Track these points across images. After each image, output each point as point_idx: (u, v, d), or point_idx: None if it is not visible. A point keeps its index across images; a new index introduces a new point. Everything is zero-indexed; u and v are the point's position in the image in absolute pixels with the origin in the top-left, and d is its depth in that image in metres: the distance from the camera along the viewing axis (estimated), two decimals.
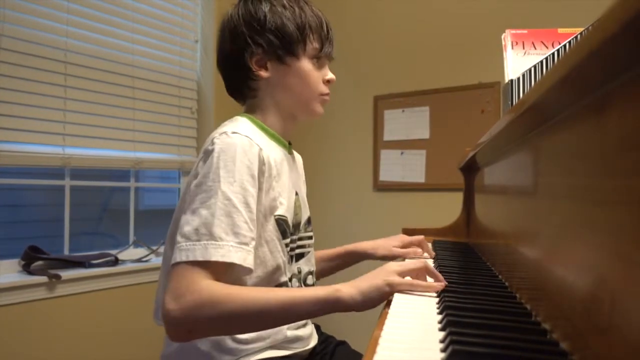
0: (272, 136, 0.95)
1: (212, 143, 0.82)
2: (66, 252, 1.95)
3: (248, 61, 0.92)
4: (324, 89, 0.97)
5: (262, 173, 0.84)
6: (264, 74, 0.93)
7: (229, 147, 0.80)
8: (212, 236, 0.73)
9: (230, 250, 0.73)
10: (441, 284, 0.75)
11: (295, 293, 0.75)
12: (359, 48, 2.60)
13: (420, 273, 0.78)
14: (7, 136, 1.72)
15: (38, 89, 1.80)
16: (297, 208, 0.96)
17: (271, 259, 0.87)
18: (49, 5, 1.85)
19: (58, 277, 1.75)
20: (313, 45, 0.94)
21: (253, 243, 0.78)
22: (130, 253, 2.14)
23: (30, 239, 1.84)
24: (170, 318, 0.70)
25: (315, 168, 2.76)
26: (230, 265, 0.74)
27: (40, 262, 1.82)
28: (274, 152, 0.91)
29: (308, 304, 0.72)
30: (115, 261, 2.01)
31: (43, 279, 1.72)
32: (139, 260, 2.10)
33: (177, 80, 2.33)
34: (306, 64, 0.94)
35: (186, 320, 0.70)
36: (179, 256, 0.73)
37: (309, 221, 1.03)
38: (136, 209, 2.22)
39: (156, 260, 2.13)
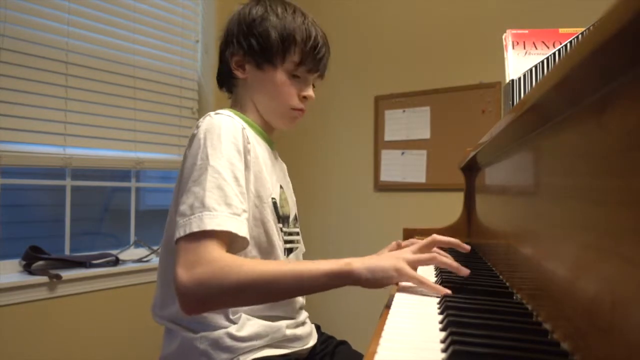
0: (254, 128, 0.97)
1: (197, 127, 0.85)
2: (67, 252, 1.95)
3: (229, 58, 0.96)
4: (297, 103, 0.97)
5: (248, 151, 0.86)
6: (240, 74, 0.96)
7: (213, 126, 0.83)
8: (205, 207, 0.74)
9: (225, 219, 0.74)
10: (447, 290, 0.73)
11: (307, 265, 0.74)
12: (359, 48, 2.60)
13: (431, 264, 0.79)
14: (8, 136, 1.72)
15: (39, 89, 1.80)
16: (282, 201, 0.98)
17: (266, 240, 0.88)
18: (50, 5, 1.85)
19: (59, 277, 1.75)
20: (292, 57, 0.94)
21: (245, 215, 0.79)
22: (131, 253, 2.14)
23: (31, 239, 1.84)
24: (183, 289, 0.70)
25: (316, 168, 2.76)
26: (228, 235, 0.75)
27: (41, 262, 1.82)
28: (256, 140, 0.93)
29: (320, 276, 0.72)
30: (116, 261, 2.01)
31: (44, 279, 1.72)
32: (140, 260, 2.10)
33: (178, 80, 2.33)
34: (281, 76, 0.94)
35: (199, 290, 0.70)
36: (178, 232, 0.74)
37: (296, 218, 1.05)
38: (137, 209, 2.22)
39: (157, 261, 2.12)
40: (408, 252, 0.78)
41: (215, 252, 0.72)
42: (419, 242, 0.84)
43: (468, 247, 0.87)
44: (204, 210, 0.74)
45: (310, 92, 0.98)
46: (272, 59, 0.93)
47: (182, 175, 0.83)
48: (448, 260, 0.79)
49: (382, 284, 0.72)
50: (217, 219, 0.74)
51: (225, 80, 1.01)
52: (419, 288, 0.74)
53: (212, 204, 0.75)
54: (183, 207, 0.76)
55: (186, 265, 0.71)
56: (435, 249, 0.85)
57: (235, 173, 0.80)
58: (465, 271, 0.79)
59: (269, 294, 0.76)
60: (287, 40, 0.93)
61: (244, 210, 0.79)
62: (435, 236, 0.84)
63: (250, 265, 0.73)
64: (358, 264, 0.72)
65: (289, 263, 0.80)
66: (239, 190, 0.79)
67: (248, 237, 0.78)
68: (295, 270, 0.73)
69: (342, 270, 0.71)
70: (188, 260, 0.71)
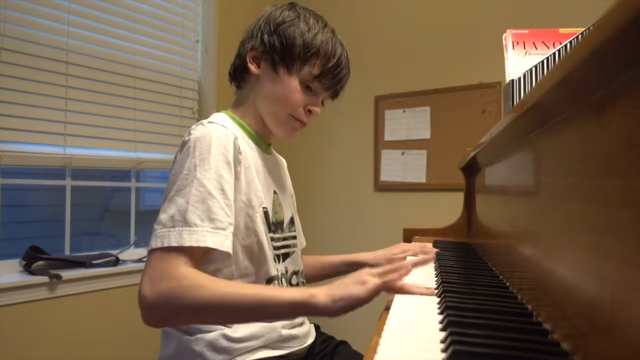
0: (249, 134, 0.96)
1: (189, 134, 0.85)
2: (67, 252, 1.95)
3: (247, 51, 0.95)
4: (300, 114, 0.95)
5: (239, 162, 0.85)
6: (254, 69, 0.95)
7: (204, 135, 0.82)
8: (186, 223, 0.74)
9: (205, 235, 0.74)
10: (422, 289, 0.71)
11: (271, 292, 0.73)
12: (359, 48, 2.60)
13: (399, 272, 0.73)
14: (9, 136, 1.72)
15: (39, 89, 1.80)
16: (276, 207, 0.97)
17: (258, 250, 0.88)
18: (50, 5, 1.85)
19: (59, 277, 1.75)
20: (311, 69, 0.92)
21: (231, 228, 0.78)
22: (131, 253, 2.14)
23: (31, 239, 1.84)
24: (146, 303, 0.71)
25: (316, 168, 2.76)
26: (207, 250, 0.75)
27: (41, 262, 1.82)
28: (249, 148, 0.92)
29: (281, 304, 0.70)
30: (116, 261, 2.01)
31: (44, 279, 1.72)
32: (140, 260, 2.10)
33: (178, 80, 2.33)
34: (294, 82, 0.93)
35: (160, 306, 0.70)
36: (154, 243, 0.74)
37: (292, 221, 1.03)
38: (137, 209, 2.22)
39: None
40: (369, 269, 0.73)
41: (182, 269, 0.72)
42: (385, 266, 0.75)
43: (432, 256, 1.02)
44: (185, 226, 0.74)
45: (317, 107, 0.96)
46: (290, 63, 0.92)
47: (169, 180, 0.82)
48: (415, 288, 0.74)
49: (350, 309, 0.69)
50: (196, 235, 0.73)
51: (237, 74, 1.00)
52: (390, 292, 0.72)
53: (194, 219, 0.74)
54: (163, 217, 0.76)
55: (152, 278, 0.71)
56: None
57: (223, 185, 0.79)
58: (425, 291, 0.73)
59: (229, 316, 0.75)
60: (310, 51, 0.91)
61: (230, 224, 0.78)
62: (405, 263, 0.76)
63: (212, 286, 0.71)
64: (322, 295, 0.69)
65: (255, 287, 0.77)
66: (226, 203, 0.78)
67: (230, 251, 0.77)
68: (257, 295, 0.71)
69: (305, 301, 0.69)
70: (155, 274, 0.71)
